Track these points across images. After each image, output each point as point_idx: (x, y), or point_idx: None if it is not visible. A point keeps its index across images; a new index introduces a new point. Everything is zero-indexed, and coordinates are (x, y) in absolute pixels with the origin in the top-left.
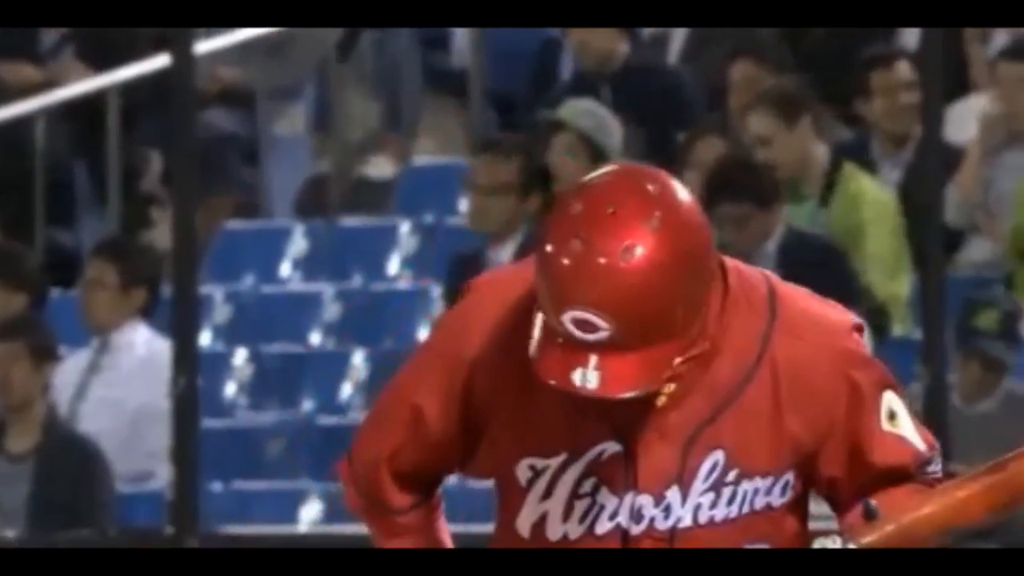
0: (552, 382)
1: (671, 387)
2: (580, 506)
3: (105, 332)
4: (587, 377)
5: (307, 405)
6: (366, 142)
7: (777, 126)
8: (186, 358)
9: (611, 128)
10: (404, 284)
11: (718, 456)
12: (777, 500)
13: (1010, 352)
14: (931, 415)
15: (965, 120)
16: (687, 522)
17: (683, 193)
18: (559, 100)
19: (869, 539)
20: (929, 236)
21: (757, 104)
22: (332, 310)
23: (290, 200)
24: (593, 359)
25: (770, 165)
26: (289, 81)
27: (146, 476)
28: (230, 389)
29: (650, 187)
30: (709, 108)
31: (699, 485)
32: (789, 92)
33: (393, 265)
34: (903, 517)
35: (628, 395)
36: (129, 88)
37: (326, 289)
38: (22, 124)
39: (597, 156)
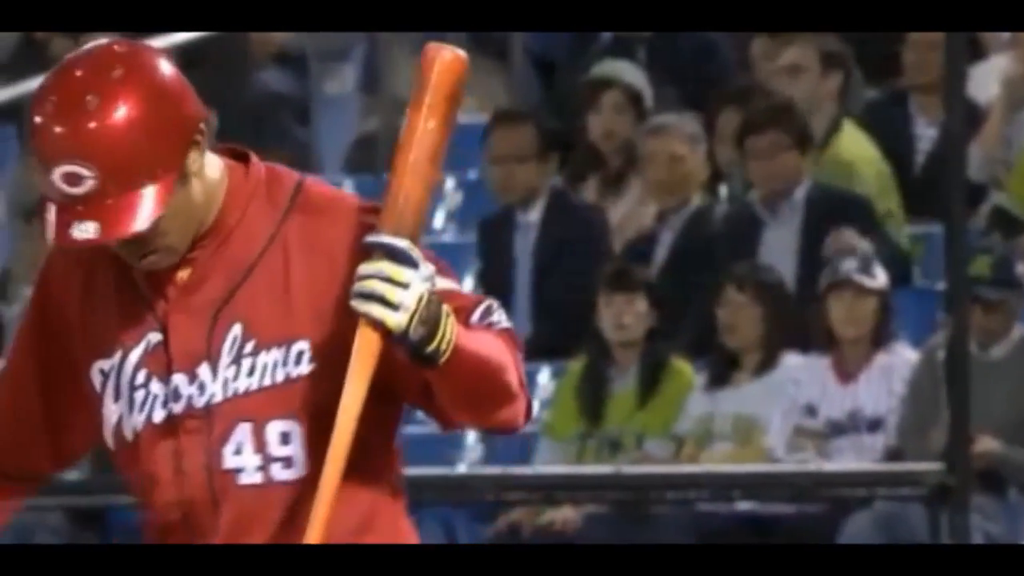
0: (58, 242)
1: (189, 271)
2: (139, 397)
3: None
4: (84, 228)
5: None
6: None
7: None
8: None
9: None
10: (448, 237)
11: (237, 330)
12: (294, 369)
13: (1012, 295)
14: (953, 364)
15: (988, 80)
16: (218, 397)
17: (151, 53)
18: (596, 61)
19: (384, 222)
20: (953, 191)
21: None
22: None
23: (340, 157)
24: (87, 212)
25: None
26: (339, 43)
27: None
28: None
29: (116, 48)
30: (741, 69)
31: (224, 359)
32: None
33: (438, 219)
34: (390, 192)
35: (123, 236)
36: (186, 51)
37: None
38: None
39: (641, 113)
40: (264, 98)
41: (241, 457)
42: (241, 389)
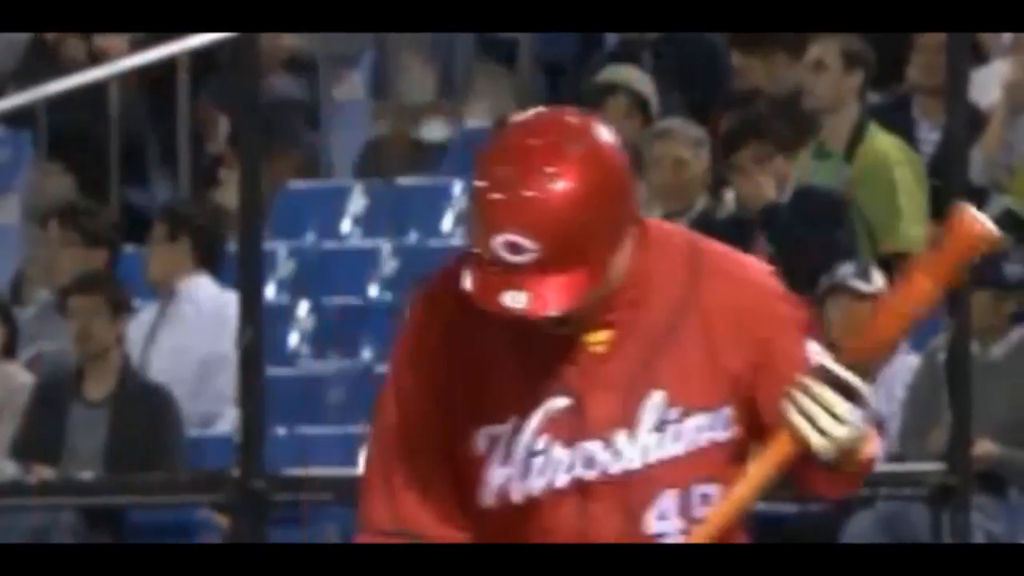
0: (484, 303)
1: (607, 335)
2: (537, 463)
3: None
4: (516, 298)
5: (366, 354)
6: (422, 107)
7: (836, 65)
8: (252, 310)
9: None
10: (457, 240)
11: (659, 397)
12: (720, 434)
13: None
14: (954, 364)
15: (990, 85)
16: (636, 464)
17: (606, 132)
18: (602, 66)
19: (847, 353)
20: (955, 194)
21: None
22: (389, 265)
23: (350, 161)
24: (521, 282)
25: (806, 111)
26: (349, 49)
27: (213, 420)
28: (293, 339)
29: (573, 122)
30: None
31: (644, 427)
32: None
33: (447, 222)
34: (866, 328)
35: (552, 314)
36: (198, 56)
37: (384, 245)
38: (98, 90)
39: (647, 118)
40: (274, 103)
41: (666, 523)
42: (667, 455)
